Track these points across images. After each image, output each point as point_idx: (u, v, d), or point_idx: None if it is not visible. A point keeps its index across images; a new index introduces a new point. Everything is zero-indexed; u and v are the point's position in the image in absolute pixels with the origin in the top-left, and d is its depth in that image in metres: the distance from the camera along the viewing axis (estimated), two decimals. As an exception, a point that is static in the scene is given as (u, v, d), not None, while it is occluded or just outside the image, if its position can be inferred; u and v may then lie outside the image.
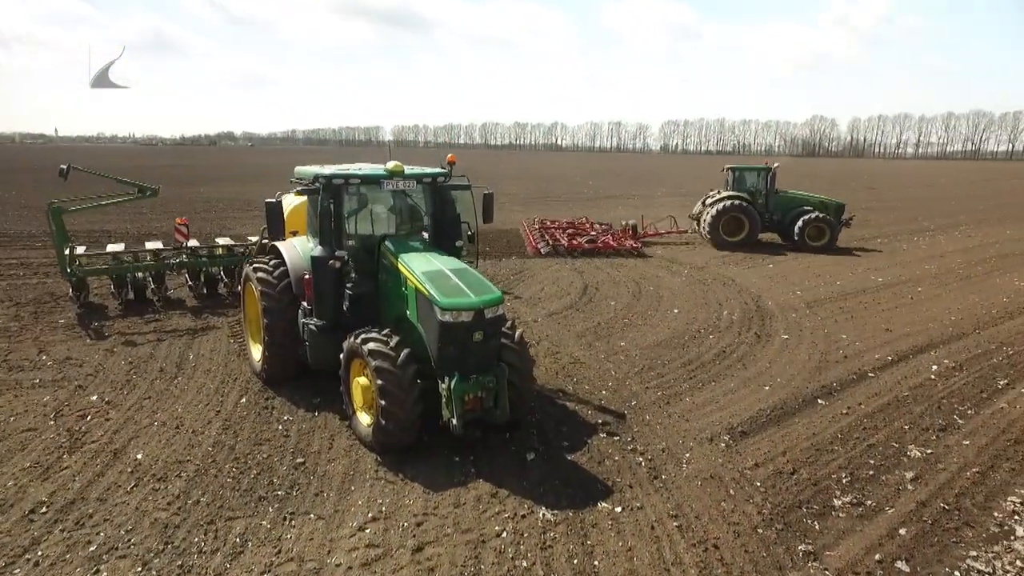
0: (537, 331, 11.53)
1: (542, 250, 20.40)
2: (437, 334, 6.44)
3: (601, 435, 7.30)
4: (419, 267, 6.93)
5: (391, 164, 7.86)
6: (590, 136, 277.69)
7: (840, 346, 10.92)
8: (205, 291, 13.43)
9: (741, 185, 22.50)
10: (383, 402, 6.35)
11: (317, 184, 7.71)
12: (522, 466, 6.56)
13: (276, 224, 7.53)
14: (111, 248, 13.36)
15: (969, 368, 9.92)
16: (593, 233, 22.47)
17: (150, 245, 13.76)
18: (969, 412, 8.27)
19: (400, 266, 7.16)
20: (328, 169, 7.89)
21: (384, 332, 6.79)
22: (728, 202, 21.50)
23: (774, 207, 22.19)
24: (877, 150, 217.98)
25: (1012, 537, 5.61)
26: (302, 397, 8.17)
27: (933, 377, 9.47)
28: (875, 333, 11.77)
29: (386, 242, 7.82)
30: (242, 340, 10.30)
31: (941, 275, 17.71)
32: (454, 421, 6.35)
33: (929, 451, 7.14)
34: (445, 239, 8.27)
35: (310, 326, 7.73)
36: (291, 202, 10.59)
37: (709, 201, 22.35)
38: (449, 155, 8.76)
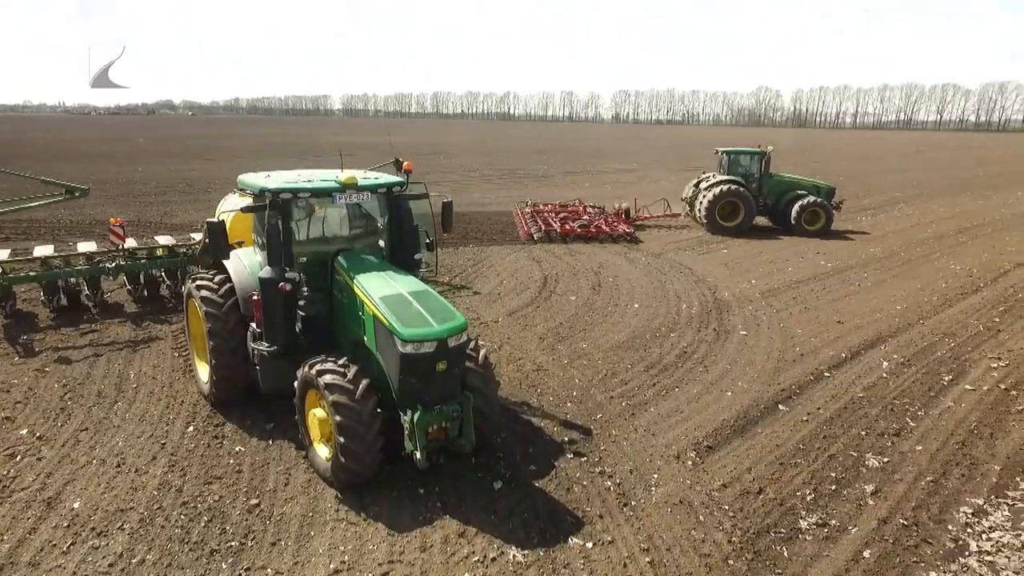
0: (498, 333, 11.32)
1: (535, 235, 20.24)
2: (398, 366, 6.14)
3: (568, 456, 7.19)
4: (376, 290, 6.56)
5: (344, 176, 7.39)
6: (542, 106, 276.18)
7: (796, 342, 11.12)
8: (146, 293, 12.64)
9: (735, 168, 22.42)
10: (342, 439, 6.03)
11: (263, 200, 7.19)
12: (489, 496, 6.38)
13: (220, 245, 6.99)
14: (39, 251, 12.35)
15: (917, 363, 10.24)
16: (586, 217, 22.26)
17: (83, 247, 12.79)
18: (919, 413, 8.53)
19: (356, 288, 6.78)
20: (275, 181, 7.35)
21: (341, 362, 6.43)
22: (724, 187, 21.30)
23: (767, 191, 22.17)
24: (819, 120, 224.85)
25: (967, 553, 5.80)
26: (254, 422, 7.76)
27: (884, 375, 9.73)
28: (827, 326, 12.03)
29: (339, 258, 7.40)
30: (187, 353, 9.73)
31: (884, 259, 18.30)
32: (418, 455, 6.11)
33: (886, 459, 7.32)
34: (403, 252, 7.90)
35: (260, 351, 7.28)
36: (234, 206, 9.96)
37: (704, 185, 22.15)
38: (405, 162, 8.35)
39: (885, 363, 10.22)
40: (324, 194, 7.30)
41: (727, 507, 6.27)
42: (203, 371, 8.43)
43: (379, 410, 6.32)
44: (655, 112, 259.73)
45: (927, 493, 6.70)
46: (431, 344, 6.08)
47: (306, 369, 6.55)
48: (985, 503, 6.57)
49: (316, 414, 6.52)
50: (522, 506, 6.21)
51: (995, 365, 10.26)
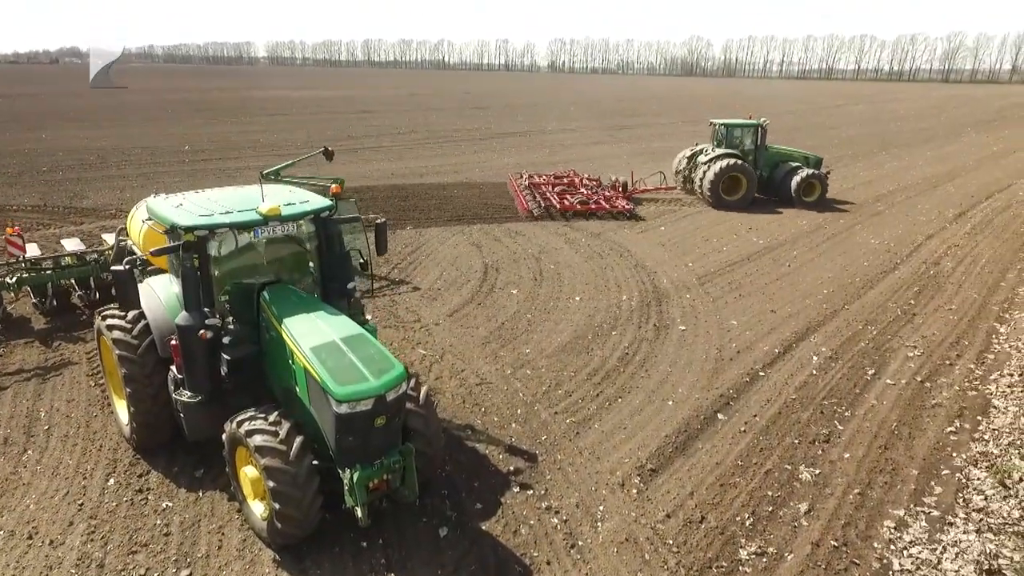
0: (440, 339, 11.06)
1: (534, 211, 19.90)
2: (334, 425, 5.82)
3: (515, 489, 7.14)
4: (307, 339, 6.16)
5: (266, 206, 6.80)
6: (477, 54, 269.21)
7: (732, 336, 11.40)
8: (55, 303, 11.60)
9: (731, 141, 22.39)
10: (277, 505, 5.73)
11: (176, 237, 6.57)
12: (436, 545, 6.27)
13: (128, 295, 6.37)
14: None
15: (843, 356, 10.71)
16: (583, 191, 21.96)
17: None
18: (846, 415, 8.94)
19: (284, 333, 6.35)
20: (188, 214, 6.68)
21: (272, 418, 6.05)
22: (727, 161, 21.26)
23: (762, 163, 22.33)
24: (747, 69, 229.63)
25: (890, 573, 6.16)
26: (182, 469, 7.31)
27: (814, 372, 10.13)
28: (761, 316, 12.39)
29: (265, 293, 6.92)
30: (104, 382, 9.04)
31: (811, 233, 18.96)
32: (359, 513, 5.89)
33: (817, 471, 7.65)
34: (334, 280, 7.46)
35: (183, 400, 6.78)
36: (144, 218, 9.18)
37: (703, 159, 22.05)
38: (333, 185, 7.83)
39: (815, 357, 10.63)
40: (244, 227, 6.74)
41: (671, 541, 6.41)
42: (122, 411, 7.82)
43: (316, 462, 6.05)
44: (590, 61, 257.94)
45: (855, 507, 7.05)
46: (368, 402, 5.78)
47: (233, 427, 6.15)
48: (906, 513, 6.97)
49: (248, 473, 6.18)
50: (469, 557, 6.13)
51: (911, 355, 10.85)
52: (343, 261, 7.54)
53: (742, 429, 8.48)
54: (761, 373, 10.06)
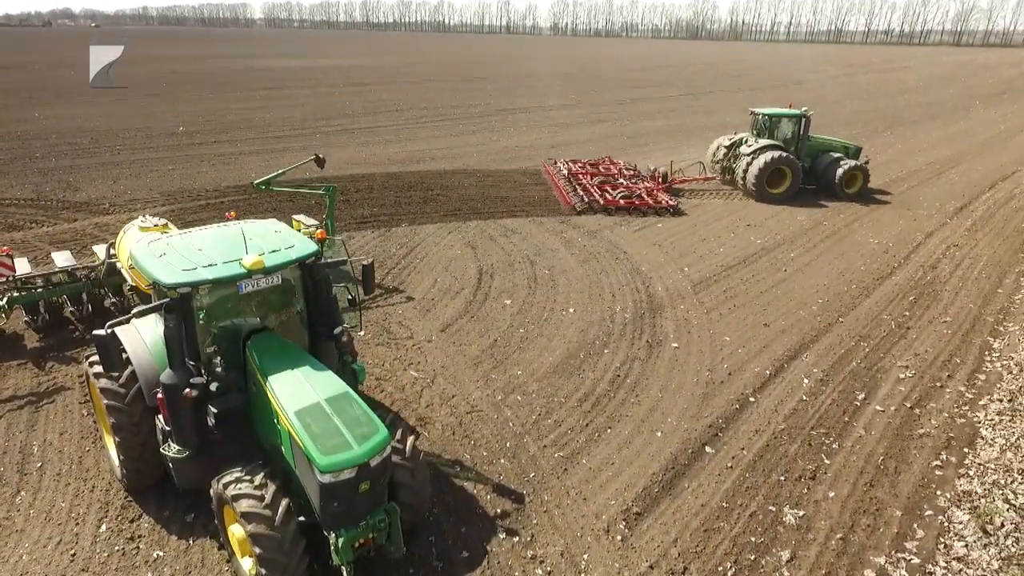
0: (432, 358, 11.08)
1: (577, 206, 19.87)
2: (318, 493, 5.88)
3: (500, 536, 7.24)
4: (291, 401, 6.17)
5: (250, 258, 6.71)
6: (479, 16, 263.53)
7: (724, 355, 11.39)
8: (48, 318, 11.60)
9: (773, 132, 22.05)
10: (263, 570, 5.83)
11: (158, 293, 6.53)
12: (422, 600, 6.41)
13: (111, 360, 6.34)
14: None
15: (834, 379, 10.71)
16: (622, 181, 21.85)
17: None
18: (834, 447, 8.99)
19: (268, 392, 6.36)
20: (170, 268, 6.57)
21: (258, 481, 6.10)
22: (773, 153, 20.93)
23: (804, 154, 22.02)
24: (754, 31, 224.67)
25: (867, 629, 6.29)
26: (173, 513, 7.40)
27: (804, 398, 10.15)
28: (754, 331, 12.36)
29: (251, 343, 6.91)
30: (95, 413, 9.09)
31: (809, 231, 18.77)
32: (345, 572, 6.00)
33: (801, 513, 7.73)
34: (322, 325, 7.44)
35: (171, 454, 6.83)
36: (128, 264, 9.13)
37: (746, 151, 21.67)
38: (319, 231, 7.74)
39: (805, 380, 10.64)
40: (227, 282, 6.68)
41: (653, 597, 6.53)
42: (113, 451, 7.88)
43: (302, 519, 6.16)
44: (593, 23, 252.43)
45: (836, 554, 7.16)
46: (352, 470, 5.82)
47: (219, 487, 6.22)
48: (886, 561, 7.08)
49: (235, 532, 6.25)
50: (455, 614, 6.26)
51: (903, 376, 10.85)
52: (330, 306, 7.51)
53: (729, 465, 8.55)
54: (751, 399, 10.09)
